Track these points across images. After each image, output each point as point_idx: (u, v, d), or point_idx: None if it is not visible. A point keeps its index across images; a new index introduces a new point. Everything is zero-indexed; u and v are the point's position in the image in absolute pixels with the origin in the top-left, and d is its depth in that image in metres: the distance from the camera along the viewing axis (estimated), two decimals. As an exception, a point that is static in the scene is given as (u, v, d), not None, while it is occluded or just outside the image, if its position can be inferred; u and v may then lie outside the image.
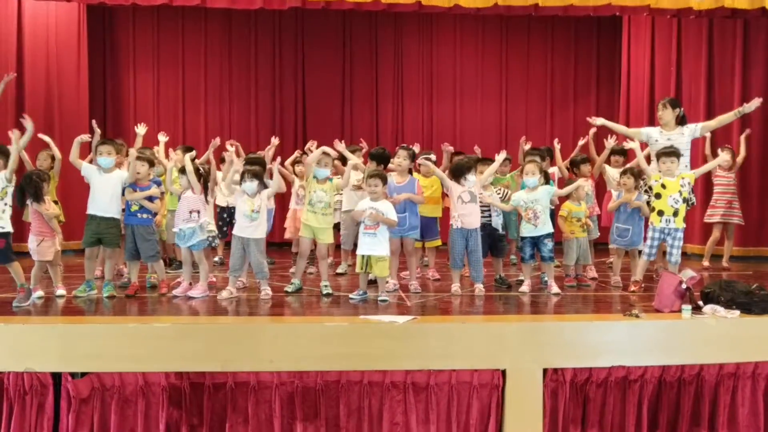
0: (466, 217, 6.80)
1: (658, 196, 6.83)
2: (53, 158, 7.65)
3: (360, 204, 6.70)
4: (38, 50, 9.93)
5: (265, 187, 6.67)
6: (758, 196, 9.75)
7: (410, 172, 7.35)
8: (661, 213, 6.80)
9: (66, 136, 7.52)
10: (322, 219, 6.99)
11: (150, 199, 6.82)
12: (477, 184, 6.92)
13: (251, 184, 6.56)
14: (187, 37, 11.23)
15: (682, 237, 6.85)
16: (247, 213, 6.56)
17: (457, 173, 6.89)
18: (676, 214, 6.75)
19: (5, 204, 6.20)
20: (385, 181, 6.63)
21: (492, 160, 7.38)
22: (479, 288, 6.87)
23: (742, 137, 9.06)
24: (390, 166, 7.44)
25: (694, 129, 7.47)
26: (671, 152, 6.87)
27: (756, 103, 7.26)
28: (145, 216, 6.81)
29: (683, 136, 7.39)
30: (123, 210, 6.86)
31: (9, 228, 6.22)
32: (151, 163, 7.03)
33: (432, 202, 7.55)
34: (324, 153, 6.96)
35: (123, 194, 6.83)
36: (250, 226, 6.59)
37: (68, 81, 10.20)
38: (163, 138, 8.10)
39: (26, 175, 6.50)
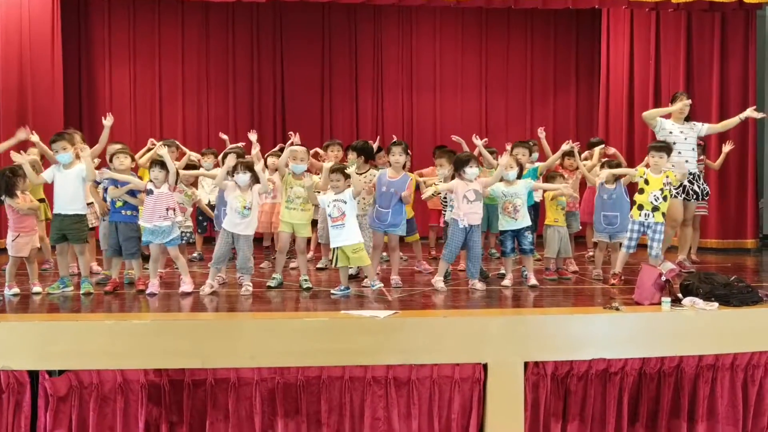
0: (471, 215, 6.72)
1: (641, 191, 6.92)
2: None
3: (323, 198, 6.68)
4: (11, 45, 9.68)
5: (257, 181, 6.60)
6: (736, 190, 9.81)
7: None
8: (641, 207, 6.90)
9: (41, 132, 7.31)
10: (302, 214, 7.00)
11: (132, 193, 6.72)
12: (480, 184, 6.81)
13: (244, 176, 6.52)
14: (163, 29, 11.08)
15: (663, 231, 6.92)
16: (238, 209, 6.51)
17: (458, 166, 6.81)
18: (655, 209, 6.82)
19: None
20: (347, 176, 6.60)
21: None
22: (480, 284, 6.80)
23: (725, 150, 8.80)
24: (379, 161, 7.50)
25: (701, 128, 7.71)
26: (662, 147, 6.96)
27: (750, 112, 7.67)
28: (129, 213, 6.72)
29: (693, 131, 7.64)
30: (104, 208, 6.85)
31: None
32: (132, 158, 6.96)
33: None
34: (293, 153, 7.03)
35: (106, 193, 6.79)
36: (242, 223, 6.55)
37: (42, 76, 9.98)
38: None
39: None
